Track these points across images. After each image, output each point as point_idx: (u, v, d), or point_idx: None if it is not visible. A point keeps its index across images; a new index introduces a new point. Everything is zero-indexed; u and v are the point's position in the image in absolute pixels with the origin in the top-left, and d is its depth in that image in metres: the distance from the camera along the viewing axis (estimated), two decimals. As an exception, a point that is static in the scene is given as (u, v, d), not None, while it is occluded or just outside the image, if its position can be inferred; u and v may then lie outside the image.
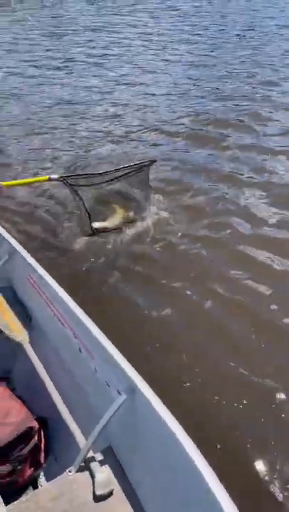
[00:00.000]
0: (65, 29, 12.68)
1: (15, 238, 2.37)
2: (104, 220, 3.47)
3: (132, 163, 3.30)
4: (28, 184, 2.70)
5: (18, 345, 2.06)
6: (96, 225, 3.26)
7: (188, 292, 2.95)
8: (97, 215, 3.39)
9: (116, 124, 5.92)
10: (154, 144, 5.28)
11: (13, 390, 1.90)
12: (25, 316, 2.17)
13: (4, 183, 2.34)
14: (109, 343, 1.59)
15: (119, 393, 1.51)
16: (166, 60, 8.73)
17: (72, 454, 1.66)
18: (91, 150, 5.21)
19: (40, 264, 2.09)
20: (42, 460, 1.72)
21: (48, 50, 10.11)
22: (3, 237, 2.38)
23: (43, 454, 1.73)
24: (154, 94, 6.88)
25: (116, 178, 3.20)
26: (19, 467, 1.60)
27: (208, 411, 2.19)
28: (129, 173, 3.23)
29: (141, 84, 7.43)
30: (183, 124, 5.68)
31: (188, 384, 2.32)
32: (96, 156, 5.04)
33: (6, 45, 10.77)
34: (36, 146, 5.39)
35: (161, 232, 3.59)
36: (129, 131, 5.67)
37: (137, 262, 3.31)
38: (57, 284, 1.95)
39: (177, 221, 3.72)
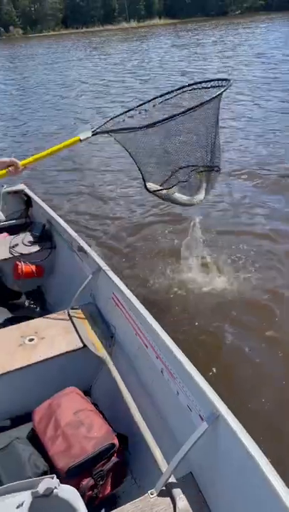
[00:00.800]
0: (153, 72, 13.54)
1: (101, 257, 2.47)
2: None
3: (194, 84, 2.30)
4: (55, 153, 2.17)
5: (100, 361, 2.12)
6: (150, 185, 2.45)
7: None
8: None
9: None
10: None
11: (94, 404, 1.96)
12: (108, 333, 2.24)
13: (22, 163, 2.08)
14: (193, 367, 1.59)
15: (201, 419, 1.49)
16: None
17: (151, 475, 1.66)
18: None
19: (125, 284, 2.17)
20: (121, 478, 1.74)
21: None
22: (89, 255, 2.50)
23: (122, 473, 1.75)
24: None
25: (168, 119, 2.11)
26: (101, 482, 1.63)
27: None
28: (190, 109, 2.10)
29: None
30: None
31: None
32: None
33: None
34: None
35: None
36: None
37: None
38: (141, 305, 2.00)
39: None
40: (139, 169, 2.37)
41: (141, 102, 2.34)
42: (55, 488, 1.16)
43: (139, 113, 2.32)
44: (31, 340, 2.16)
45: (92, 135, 2.17)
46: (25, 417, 2.03)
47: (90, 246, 2.64)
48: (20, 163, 2.11)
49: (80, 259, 2.69)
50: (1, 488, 1.20)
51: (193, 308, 3.42)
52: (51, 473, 1.59)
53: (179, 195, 2.46)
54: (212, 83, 2.29)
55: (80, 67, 20.37)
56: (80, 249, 2.63)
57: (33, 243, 3.18)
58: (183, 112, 2.07)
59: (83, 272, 2.62)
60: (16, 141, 8.57)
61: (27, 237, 3.22)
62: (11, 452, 1.68)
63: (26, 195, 3.53)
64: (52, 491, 1.15)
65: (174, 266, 3.93)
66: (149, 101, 2.34)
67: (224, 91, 2.19)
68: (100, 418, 1.83)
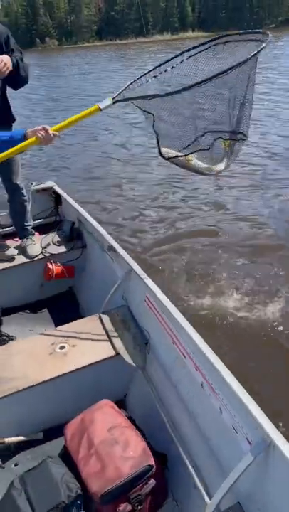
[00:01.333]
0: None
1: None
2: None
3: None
4: (76, 122, 1.95)
5: (135, 370, 2.00)
6: (165, 151, 2.17)
7: None
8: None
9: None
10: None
11: (129, 418, 1.83)
12: (142, 339, 2.10)
13: (53, 128, 1.94)
14: (237, 383, 1.43)
15: (249, 443, 1.34)
16: None
17: (194, 500, 1.52)
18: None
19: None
20: (161, 501, 1.60)
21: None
22: (120, 255, 2.38)
23: (162, 495, 1.60)
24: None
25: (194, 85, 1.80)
26: (139, 507, 1.49)
27: None
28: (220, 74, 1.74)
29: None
30: None
31: None
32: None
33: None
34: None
35: None
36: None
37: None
38: (176, 309, 1.86)
39: None
40: (156, 134, 2.09)
41: (166, 59, 2.05)
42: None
43: (165, 71, 2.04)
44: (62, 348, 2.05)
45: (114, 102, 1.98)
46: (58, 429, 1.93)
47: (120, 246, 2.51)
48: (52, 128, 1.95)
49: (111, 259, 2.56)
50: None
51: (235, 332, 3.25)
52: (85, 496, 1.48)
53: (197, 162, 2.20)
54: (247, 36, 1.94)
55: (115, 77, 20.61)
56: (111, 248, 2.50)
57: (63, 242, 3.08)
58: (210, 78, 1.75)
59: (114, 273, 2.49)
60: (50, 153, 8.58)
61: (56, 236, 3.13)
62: (42, 472, 1.57)
63: (55, 192, 3.43)
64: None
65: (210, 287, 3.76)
66: (176, 57, 2.04)
67: (262, 49, 1.79)
68: (136, 434, 1.68)
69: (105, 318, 2.22)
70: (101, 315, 2.25)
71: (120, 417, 1.77)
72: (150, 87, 2.03)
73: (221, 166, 2.26)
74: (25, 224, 2.98)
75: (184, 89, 1.81)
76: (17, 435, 1.91)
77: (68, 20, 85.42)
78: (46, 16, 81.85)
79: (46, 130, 1.92)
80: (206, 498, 1.39)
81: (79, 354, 2.00)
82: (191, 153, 2.16)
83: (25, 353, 2.03)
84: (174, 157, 2.15)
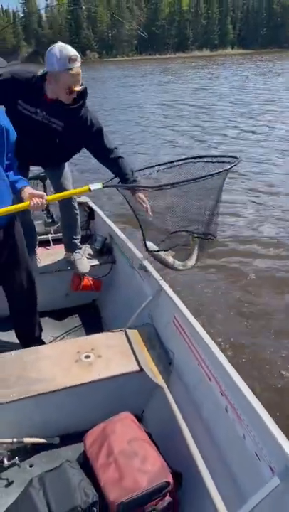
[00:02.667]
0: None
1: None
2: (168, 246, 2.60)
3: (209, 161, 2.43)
4: (68, 196, 2.41)
5: (156, 387, 2.02)
6: (149, 245, 2.45)
7: None
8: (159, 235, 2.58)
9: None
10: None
11: (148, 433, 1.85)
12: (166, 358, 2.13)
13: (48, 198, 2.16)
14: (264, 410, 1.44)
15: (272, 471, 1.34)
16: None
17: None
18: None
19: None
20: (173, 520, 1.61)
21: None
22: (151, 274, 2.42)
23: (174, 514, 1.61)
24: None
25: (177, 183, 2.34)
26: (153, 523, 1.51)
27: None
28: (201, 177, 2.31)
29: None
30: None
31: None
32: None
33: None
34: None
35: None
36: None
37: None
38: (205, 332, 1.88)
39: None
40: (140, 226, 2.45)
41: (151, 165, 2.53)
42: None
43: (150, 174, 2.53)
44: (87, 357, 2.11)
45: (103, 187, 2.31)
46: (75, 437, 1.98)
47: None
48: (48, 198, 2.15)
49: (141, 278, 2.63)
50: None
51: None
52: (101, 504, 1.51)
53: (174, 260, 2.51)
54: (219, 159, 2.44)
55: (167, 90, 20.92)
56: (142, 267, 2.56)
57: (93, 256, 3.17)
58: (188, 180, 2.26)
59: (143, 291, 2.55)
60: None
61: (87, 249, 3.22)
62: (61, 475, 1.61)
63: (89, 207, 3.54)
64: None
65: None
66: (159, 165, 2.52)
67: (230, 168, 2.31)
68: (155, 450, 1.71)
69: (131, 333, 2.27)
70: (127, 330, 2.29)
71: (140, 431, 1.81)
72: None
73: (192, 262, 2.59)
74: (74, 237, 3.05)
75: (164, 185, 2.30)
76: (35, 437, 1.96)
77: (110, 34, 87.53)
78: (89, 30, 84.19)
79: (42, 198, 2.07)
80: None
81: (103, 365, 2.05)
82: (169, 249, 2.50)
83: (52, 358, 2.10)
84: (156, 251, 2.44)
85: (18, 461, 1.88)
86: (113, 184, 2.46)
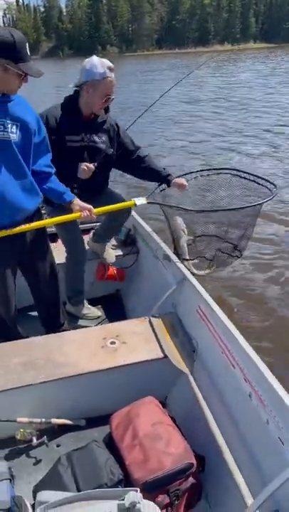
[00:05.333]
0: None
1: None
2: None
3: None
4: (114, 210, 2.52)
5: (180, 374, 2.06)
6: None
7: None
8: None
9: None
10: None
11: (172, 418, 1.89)
12: (189, 346, 2.17)
13: (96, 210, 2.35)
14: (288, 395, 1.47)
15: None
16: None
17: (229, 503, 1.56)
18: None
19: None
20: (195, 501, 1.65)
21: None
22: (175, 264, 2.46)
23: (197, 495, 1.66)
24: None
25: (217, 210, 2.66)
26: (176, 502, 1.56)
27: None
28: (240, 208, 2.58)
29: None
30: None
31: None
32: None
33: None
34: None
35: None
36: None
37: None
38: (229, 321, 1.91)
39: None
40: (173, 237, 2.74)
41: (193, 170, 2.80)
42: (138, 502, 1.12)
43: (190, 179, 2.79)
44: (113, 343, 2.16)
45: (147, 203, 2.54)
46: (99, 420, 2.04)
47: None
48: (95, 210, 2.34)
49: (164, 268, 2.66)
50: (88, 493, 1.20)
51: None
52: (126, 483, 1.57)
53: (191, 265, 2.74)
54: (259, 181, 2.64)
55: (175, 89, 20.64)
56: (166, 257, 2.60)
57: (117, 247, 3.22)
58: (229, 209, 2.55)
59: (166, 281, 2.58)
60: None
61: (112, 240, 3.27)
62: (88, 453, 1.67)
63: None
64: (135, 505, 1.11)
65: None
66: (197, 171, 2.82)
67: (268, 200, 2.49)
68: (178, 434, 1.75)
69: (155, 321, 2.31)
70: (151, 318, 2.34)
71: (164, 415, 1.85)
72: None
73: (208, 271, 2.85)
74: (103, 228, 3.10)
75: (207, 210, 2.66)
76: (62, 418, 2.03)
77: (130, 29, 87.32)
78: (109, 24, 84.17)
79: (91, 211, 2.30)
80: (246, 500, 1.42)
81: (128, 351, 2.10)
82: (197, 257, 2.78)
83: (77, 343, 2.16)
84: (184, 259, 2.69)
85: (46, 441, 1.95)
86: (156, 202, 2.67)
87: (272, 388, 1.50)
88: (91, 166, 2.43)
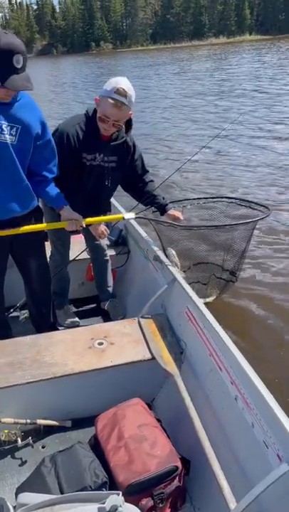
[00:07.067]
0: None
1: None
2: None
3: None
4: (103, 221, 2.53)
5: (167, 376, 2.05)
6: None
7: None
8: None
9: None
10: None
11: (158, 420, 1.88)
12: (177, 348, 2.16)
13: (85, 221, 2.32)
14: (274, 399, 1.45)
15: (279, 459, 1.35)
16: None
17: (214, 507, 1.54)
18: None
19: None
20: (180, 504, 1.64)
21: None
22: (165, 265, 2.45)
23: (182, 498, 1.65)
24: None
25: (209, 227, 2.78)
26: (160, 505, 1.55)
27: None
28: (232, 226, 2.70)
29: None
30: None
31: None
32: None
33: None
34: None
35: None
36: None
37: None
38: (217, 323, 1.89)
39: None
40: (164, 252, 2.69)
41: (184, 198, 2.92)
42: (120, 506, 1.10)
43: (183, 206, 2.86)
44: (101, 344, 2.15)
45: (135, 218, 2.58)
46: (86, 421, 2.04)
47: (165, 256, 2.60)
48: (85, 220, 2.34)
49: (155, 269, 2.65)
50: (70, 496, 1.19)
51: None
52: (110, 485, 1.55)
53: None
54: (253, 205, 2.76)
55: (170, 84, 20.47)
56: (156, 258, 2.58)
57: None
58: (216, 226, 2.64)
59: (156, 282, 2.57)
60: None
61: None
62: (72, 455, 1.66)
63: None
64: (116, 509, 1.10)
65: None
66: (194, 199, 2.92)
67: (260, 219, 2.61)
68: (164, 436, 1.74)
69: (144, 322, 2.30)
70: (140, 319, 2.33)
71: (150, 417, 1.84)
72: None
73: (210, 299, 3.00)
74: (108, 286, 3.05)
75: (195, 226, 2.82)
76: (48, 419, 2.02)
77: (124, 24, 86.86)
78: (102, 20, 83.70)
79: (78, 222, 2.30)
80: (230, 505, 1.41)
81: (116, 352, 2.09)
82: (192, 283, 2.77)
83: (65, 343, 2.15)
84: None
85: (31, 442, 1.94)
86: (145, 217, 2.70)
87: (257, 391, 1.49)
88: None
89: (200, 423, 1.72)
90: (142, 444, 1.66)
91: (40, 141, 2.05)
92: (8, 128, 1.88)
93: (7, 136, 1.89)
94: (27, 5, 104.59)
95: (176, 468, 1.60)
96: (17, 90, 1.78)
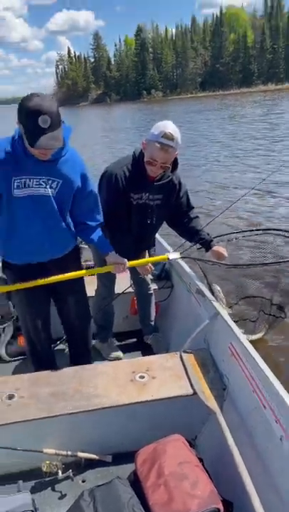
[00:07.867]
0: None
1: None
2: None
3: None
4: (148, 263, 2.56)
5: (209, 412, 1.99)
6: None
7: None
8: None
9: None
10: None
11: (199, 459, 1.82)
12: (220, 384, 2.11)
13: (130, 263, 2.34)
14: None
15: None
16: None
17: None
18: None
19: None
20: None
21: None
22: (208, 299, 2.43)
23: None
24: None
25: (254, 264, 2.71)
26: None
27: None
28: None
29: None
30: None
31: None
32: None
33: None
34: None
35: None
36: None
37: None
38: (261, 359, 1.84)
39: None
40: (210, 289, 2.65)
41: (230, 232, 2.91)
42: None
43: (228, 240, 2.87)
44: (142, 377, 2.14)
45: (180, 258, 2.56)
46: (126, 455, 2.01)
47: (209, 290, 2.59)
48: (129, 263, 2.36)
49: (198, 302, 2.64)
50: None
51: None
52: (149, 524, 1.50)
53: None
54: None
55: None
56: (199, 291, 2.58)
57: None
58: (263, 264, 2.58)
59: (199, 316, 2.56)
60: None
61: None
62: (111, 491, 1.63)
63: None
64: None
65: None
66: (238, 232, 2.92)
67: None
68: (205, 475, 1.68)
69: (186, 357, 2.28)
70: (182, 353, 2.31)
71: (191, 454, 1.78)
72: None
73: (259, 335, 2.98)
74: (151, 320, 3.08)
75: (240, 264, 2.73)
76: (89, 452, 2.01)
77: (174, 74, 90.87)
78: (154, 70, 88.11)
79: (124, 266, 2.34)
80: None
81: (157, 386, 2.07)
82: (239, 320, 2.77)
83: (108, 375, 2.16)
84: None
85: (71, 475, 1.93)
86: (191, 257, 2.68)
87: None
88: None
89: (243, 464, 1.65)
90: (182, 482, 1.60)
91: (81, 193, 2.16)
92: (50, 182, 2.00)
93: (48, 189, 2.01)
94: (85, 58, 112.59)
95: (218, 510, 1.52)
96: (49, 148, 1.85)
